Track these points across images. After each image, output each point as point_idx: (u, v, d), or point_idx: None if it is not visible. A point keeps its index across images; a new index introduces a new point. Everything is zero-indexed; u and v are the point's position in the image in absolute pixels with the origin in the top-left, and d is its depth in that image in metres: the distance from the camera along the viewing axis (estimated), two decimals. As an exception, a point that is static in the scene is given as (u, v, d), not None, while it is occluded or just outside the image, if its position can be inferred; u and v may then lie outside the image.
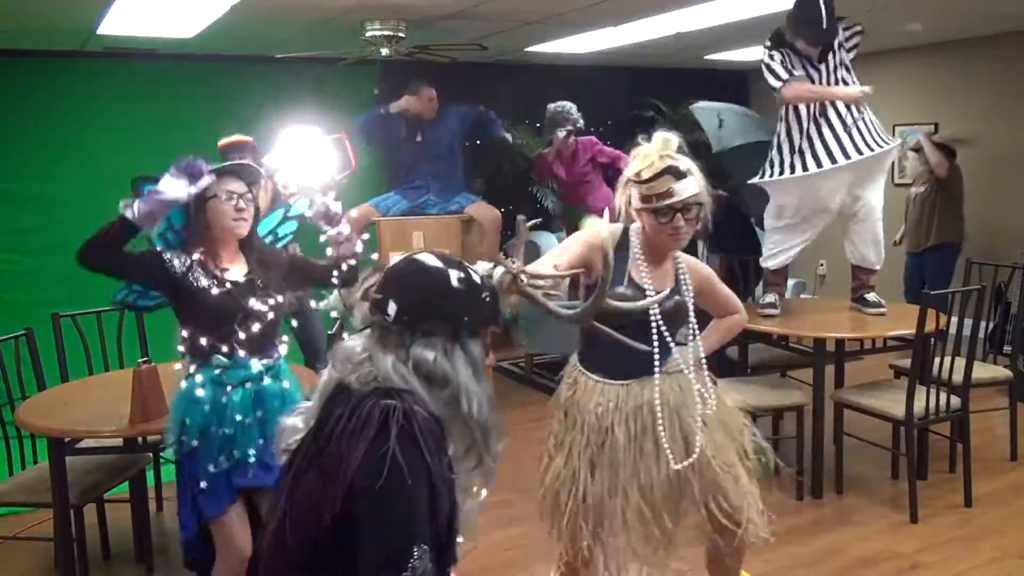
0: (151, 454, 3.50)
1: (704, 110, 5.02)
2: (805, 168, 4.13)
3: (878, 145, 4.10)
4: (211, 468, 2.51)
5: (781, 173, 4.21)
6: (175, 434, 2.53)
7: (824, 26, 3.94)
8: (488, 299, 1.60)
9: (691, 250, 2.57)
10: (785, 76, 4.09)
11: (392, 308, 1.53)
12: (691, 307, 2.48)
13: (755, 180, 4.34)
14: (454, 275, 1.57)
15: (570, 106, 5.69)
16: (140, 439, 3.26)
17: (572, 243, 2.41)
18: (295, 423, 1.62)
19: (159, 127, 6.13)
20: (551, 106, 5.75)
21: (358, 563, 1.40)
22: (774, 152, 4.30)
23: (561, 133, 5.62)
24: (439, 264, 1.58)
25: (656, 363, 2.39)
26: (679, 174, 2.30)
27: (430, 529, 1.43)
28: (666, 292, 2.33)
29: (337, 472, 1.41)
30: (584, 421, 2.46)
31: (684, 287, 2.49)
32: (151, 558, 3.47)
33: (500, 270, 1.73)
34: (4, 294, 5.87)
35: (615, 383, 2.44)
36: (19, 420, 3.03)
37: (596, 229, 2.28)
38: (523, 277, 1.77)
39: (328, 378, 1.57)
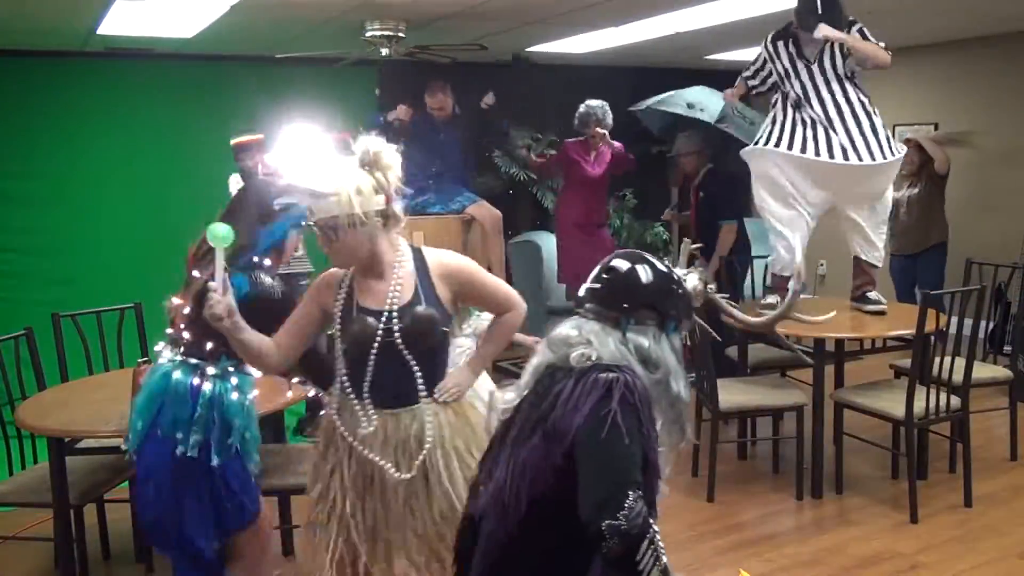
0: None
1: (664, 102, 5.01)
2: (803, 150, 4.10)
3: (880, 156, 4.07)
4: (252, 468, 2.54)
5: (789, 147, 4.16)
6: (224, 439, 2.46)
7: (819, 12, 3.96)
8: (685, 298, 1.84)
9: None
10: (743, 75, 4.35)
11: (610, 297, 1.76)
12: (448, 315, 2.27)
13: (753, 148, 4.31)
14: (662, 274, 1.80)
15: (595, 105, 5.61)
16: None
17: (305, 296, 2.33)
18: (504, 397, 1.80)
19: (159, 127, 6.14)
20: (581, 107, 5.68)
21: (578, 509, 1.54)
22: (778, 123, 4.26)
23: (602, 130, 5.60)
24: (651, 263, 1.81)
25: (403, 389, 2.23)
26: (309, 194, 2.13)
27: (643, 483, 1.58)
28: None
29: (561, 432, 1.60)
30: (351, 453, 2.26)
31: (427, 293, 2.23)
32: (151, 558, 3.46)
33: (695, 277, 1.91)
34: (4, 294, 5.87)
35: (385, 411, 2.25)
36: (19, 420, 3.04)
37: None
38: (711, 286, 1.96)
39: (540, 361, 1.77)
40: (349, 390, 2.27)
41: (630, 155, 5.77)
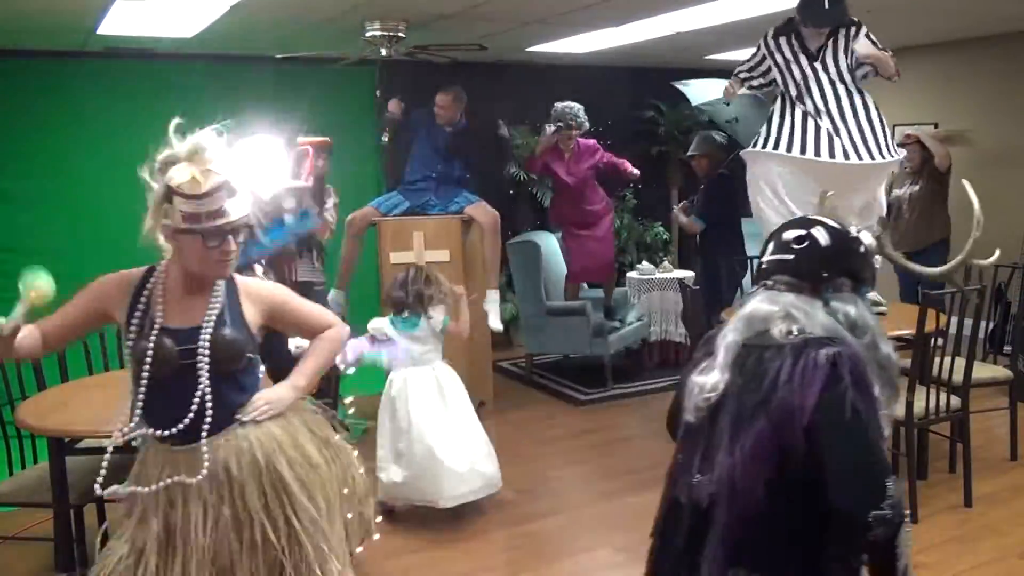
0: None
1: (715, 109, 5.04)
2: (803, 151, 4.11)
3: (879, 155, 4.06)
4: None
5: (776, 147, 4.19)
6: None
7: (826, 7, 3.96)
8: (870, 258, 1.81)
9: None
10: (739, 73, 4.29)
11: (806, 267, 1.72)
12: (254, 340, 2.14)
13: (749, 150, 4.35)
14: (849, 237, 1.77)
15: (575, 106, 5.68)
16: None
17: (85, 291, 2.18)
18: (704, 382, 1.72)
19: (159, 127, 6.07)
20: (559, 104, 5.74)
21: (830, 498, 1.53)
22: (775, 125, 4.27)
23: (549, 128, 5.64)
24: (833, 228, 1.76)
25: (208, 415, 2.05)
26: (232, 191, 2.02)
27: None
28: None
29: (788, 414, 1.57)
30: (149, 494, 2.08)
31: (235, 316, 2.11)
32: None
33: (868, 235, 1.85)
34: (4, 293, 5.85)
35: (180, 448, 2.07)
36: (19, 420, 3.03)
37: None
38: (885, 242, 1.93)
39: (734, 339, 1.71)
40: (144, 421, 2.10)
41: (630, 170, 5.84)
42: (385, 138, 5.38)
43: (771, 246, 1.79)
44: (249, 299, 2.15)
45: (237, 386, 2.11)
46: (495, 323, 5.18)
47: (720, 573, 1.62)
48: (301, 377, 2.26)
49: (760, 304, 1.71)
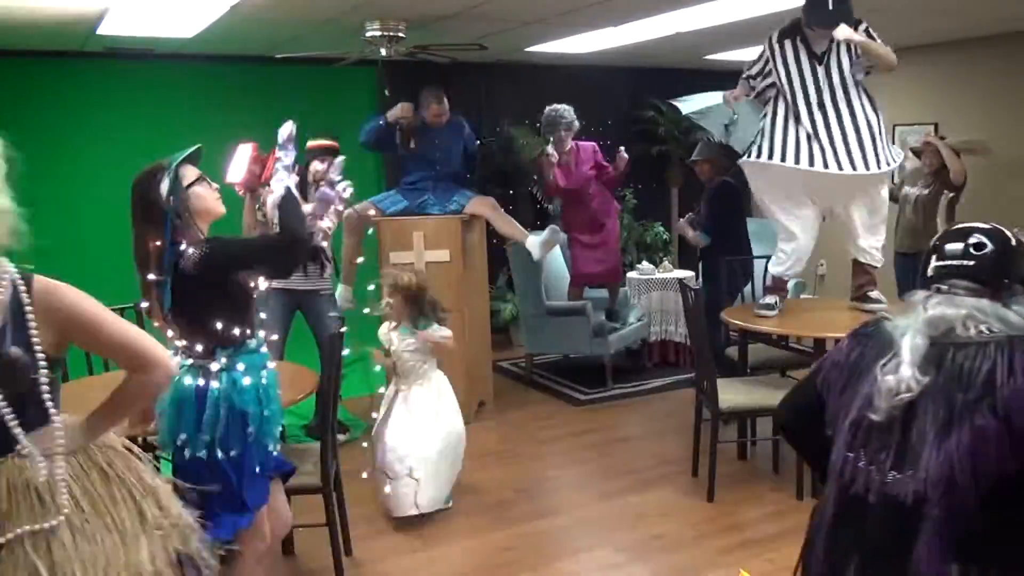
0: (151, 454, 3.49)
1: (705, 117, 5.04)
2: (785, 158, 4.12)
3: (865, 167, 4.04)
4: (271, 450, 2.60)
5: (771, 157, 4.19)
6: (238, 431, 2.52)
7: (830, 7, 3.94)
8: None
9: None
10: (746, 74, 4.27)
11: (987, 272, 1.78)
12: (41, 363, 1.81)
13: (744, 160, 4.34)
14: (1021, 243, 1.83)
15: (560, 108, 5.69)
16: (140, 439, 3.26)
17: None
18: (896, 381, 1.74)
19: (159, 127, 6.14)
20: (548, 109, 5.75)
21: None
22: (767, 132, 4.26)
23: (550, 149, 5.66)
24: (1007, 233, 1.83)
25: None
26: None
27: None
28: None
29: (1020, 408, 1.62)
30: None
31: (16, 333, 1.80)
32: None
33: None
34: (4, 294, 5.87)
35: None
36: (19, 420, 3.02)
37: None
38: None
39: (919, 341, 1.76)
40: None
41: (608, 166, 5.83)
42: (412, 144, 5.27)
43: (935, 254, 1.85)
44: (44, 312, 1.84)
45: (19, 411, 1.81)
46: (546, 236, 5.17)
47: (938, 568, 1.65)
48: (94, 422, 2.01)
49: (944, 308, 1.78)
